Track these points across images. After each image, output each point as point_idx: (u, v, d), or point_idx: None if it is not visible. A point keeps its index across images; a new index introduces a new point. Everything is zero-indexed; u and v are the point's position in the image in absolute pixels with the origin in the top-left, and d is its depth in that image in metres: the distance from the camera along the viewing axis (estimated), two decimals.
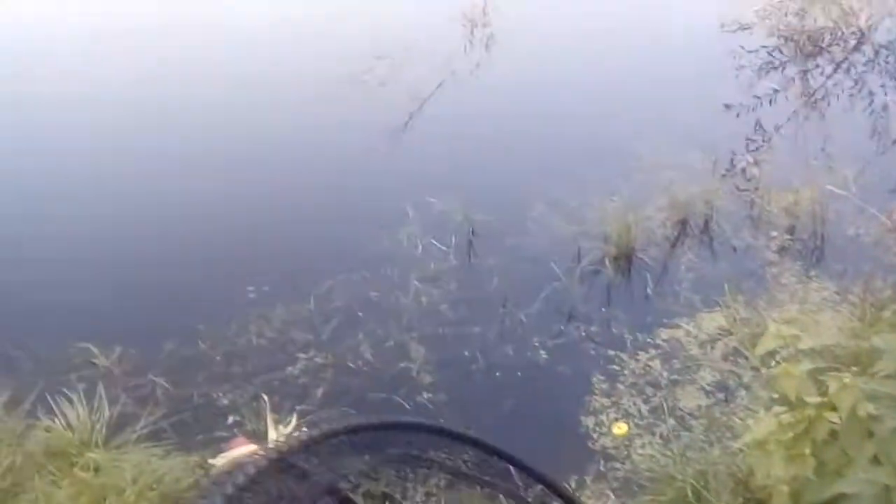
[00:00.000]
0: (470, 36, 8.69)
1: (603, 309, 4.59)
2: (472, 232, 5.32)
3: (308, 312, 4.76)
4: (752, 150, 5.79)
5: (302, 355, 4.41)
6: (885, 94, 6.41)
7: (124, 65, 8.99)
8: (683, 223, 5.14)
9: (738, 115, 6.38)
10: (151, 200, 6.33)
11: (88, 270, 5.46)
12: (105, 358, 4.38)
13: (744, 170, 5.54)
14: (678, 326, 4.35)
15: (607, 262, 4.85)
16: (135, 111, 7.96)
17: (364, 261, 5.14)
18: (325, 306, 4.80)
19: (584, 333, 4.43)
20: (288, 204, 6.10)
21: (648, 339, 4.29)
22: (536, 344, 4.39)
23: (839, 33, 7.45)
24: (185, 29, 10.45)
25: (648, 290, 4.69)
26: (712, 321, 4.34)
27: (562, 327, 4.49)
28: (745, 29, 7.70)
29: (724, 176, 5.54)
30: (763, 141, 5.96)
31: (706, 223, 5.16)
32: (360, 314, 4.73)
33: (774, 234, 4.91)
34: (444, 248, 5.18)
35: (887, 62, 7.03)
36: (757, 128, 6.20)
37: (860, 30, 7.40)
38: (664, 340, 4.27)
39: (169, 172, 6.71)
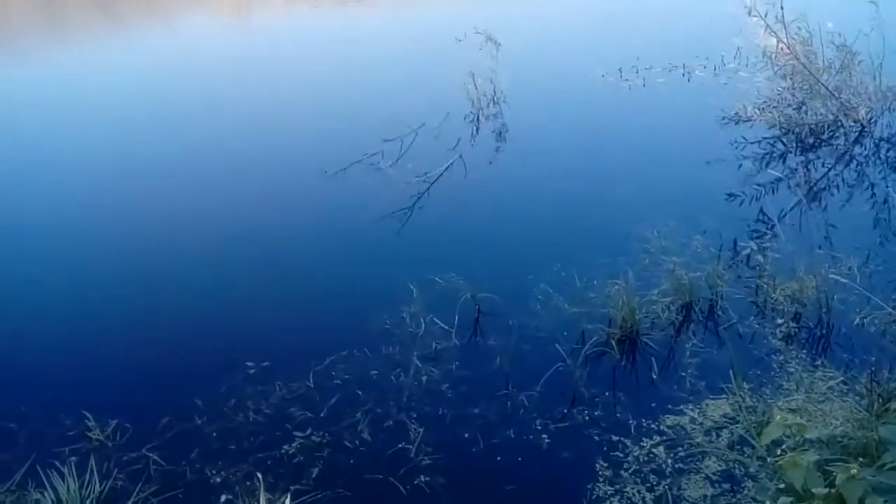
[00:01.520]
0: (478, 122, 8.93)
1: (607, 393, 4.52)
2: (476, 311, 5.32)
3: (307, 389, 4.71)
4: (756, 238, 5.83)
5: (299, 433, 4.34)
6: (887, 186, 6.49)
7: (134, 140, 9.24)
8: (688, 308, 5.12)
9: (741, 204, 6.47)
10: (154, 271, 6.38)
11: (88, 340, 5.46)
12: (100, 430, 4.32)
13: (748, 257, 5.55)
14: (683, 413, 4.27)
15: (612, 345, 4.81)
16: (145, 182, 8.14)
17: (365, 338, 5.11)
18: (324, 383, 4.75)
19: (587, 417, 4.34)
20: (292, 279, 6.14)
21: (653, 426, 4.20)
22: (539, 427, 4.30)
23: (839, 126, 7.62)
24: (200, 104, 10.81)
25: (653, 375, 4.63)
26: (718, 408, 4.26)
27: (565, 410, 4.41)
28: (746, 121, 7.90)
29: (729, 262, 5.56)
30: (767, 229, 6.01)
31: (711, 308, 5.14)
32: (359, 392, 4.68)
33: (780, 321, 4.88)
34: (446, 326, 5.16)
35: (888, 155, 7.15)
36: (760, 216, 6.27)
37: (860, 123, 7.57)
38: (669, 427, 4.19)
39: (175, 244, 6.80)
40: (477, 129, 8.77)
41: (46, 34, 17.81)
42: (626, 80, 9.64)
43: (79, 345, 5.42)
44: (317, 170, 7.92)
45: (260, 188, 7.87)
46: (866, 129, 7.53)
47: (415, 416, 4.45)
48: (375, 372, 4.83)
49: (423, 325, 5.19)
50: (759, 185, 6.78)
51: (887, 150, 7.22)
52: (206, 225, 7.13)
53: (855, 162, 7.11)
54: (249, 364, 4.93)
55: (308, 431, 4.35)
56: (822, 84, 7.71)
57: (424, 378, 4.75)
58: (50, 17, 19.83)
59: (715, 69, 9.37)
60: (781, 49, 7.90)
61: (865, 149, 7.32)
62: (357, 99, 10.47)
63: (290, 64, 12.96)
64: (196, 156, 8.95)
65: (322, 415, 4.50)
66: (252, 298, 5.89)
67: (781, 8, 7.69)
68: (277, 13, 18.93)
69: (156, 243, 6.89)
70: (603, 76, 9.80)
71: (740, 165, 7.21)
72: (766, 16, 7.77)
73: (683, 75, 9.53)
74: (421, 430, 4.32)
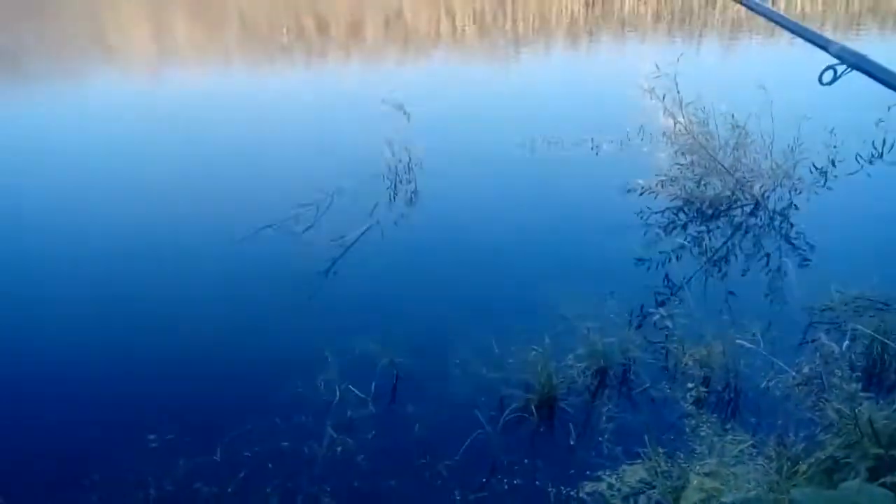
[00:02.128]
0: (394, 189, 8.97)
1: (526, 460, 4.47)
2: (395, 377, 5.21)
3: (214, 463, 4.44)
4: (664, 304, 6.01)
5: None
6: (781, 256, 6.88)
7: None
8: (603, 373, 5.19)
9: (648, 269, 6.70)
10: (47, 338, 6.01)
11: None
12: None
13: (657, 322, 5.71)
14: (601, 479, 4.25)
15: (531, 411, 4.79)
16: (38, 244, 7.72)
17: (277, 408, 4.90)
18: (232, 457, 4.50)
19: (507, 486, 4.27)
20: (198, 349, 5.85)
21: (572, 493, 4.17)
22: (458, 498, 4.18)
23: (736, 200, 8.08)
24: (102, 163, 10.43)
25: (571, 441, 4.62)
26: (634, 473, 4.27)
27: (484, 479, 4.32)
28: (650, 192, 8.26)
29: (638, 327, 5.70)
30: (673, 294, 6.22)
31: (625, 373, 5.22)
32: (269, 465, 4.45)
33: (690, 385, 4.99)
34: (362, 394, 5.02)
35: (781, 226, 7.62)
36: (666, 281, 6.50)
37: (755, 197, 8.06)
38: (587, 493, 4.16)
39: (71, 311, 6.43)
40: (393, 196, 8.80)
41: None
42: (538, 151, 9.97)
43: None
44: (226, 235, 7.71)
45: (164, 252, 7.57)
46: (760, 203, 8.02)
47: (328, 489, 4.26)
48: (287, 443, 4.62)
49: (338, 393, 5.03)
50: (663, 252, 7.05)
51: (780, 223, 7.69)
52: (106, 290, 6.78)
53: (751, 233, 7.52)
54: (151, 437, 4.62)
55: None
56: (719, 162, 8.20)
57: (339, 449, 4.58)
58: None
59: (621, 144, 9.82)
60: (679, 129, 8.39)
61: (760, 220, 7.77)
62: (273, 164, 10.37)
63: (203, 126, 12.74)
64: (95, 217, 8.57)
65: (230, 489, 4.25)
66: (155, 368, 5.58)
67: (678, 93, 8.20)
68: (190, 72, 18.70)
69: (50, 309, 6.50)
70: (516, 146, 10.10)
71: (646, 233, 7.50)
72: (663, 98, 8.25)
73: (592, 149, 9.93)
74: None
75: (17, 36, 23.73)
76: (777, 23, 3.29)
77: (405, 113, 9.52)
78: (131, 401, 5.18)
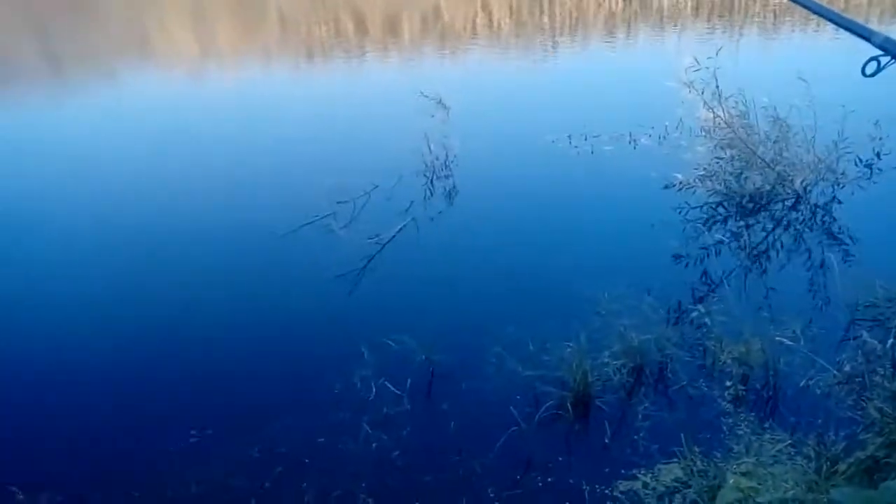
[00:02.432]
0: (431, 185, 9.00)
1: (561, 458, 4.47)
2: (430, 374, 5.25)
3: (251, 458, 4.54)
4: (702, 300, 5.94)
5: None
6: (822, 251, 6.73)
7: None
8: (639, 370, 5.15)
9: (686, 266, 6.62)
10: (95, 332, 6.18)
11: (20, 407, 5.21)
12: None
13: (695, 319, 5.64)
14: (636, 478, 4.24)
15: (566, 409, 4.79)
16: (90, 241, 7.94)
17: (314, 404, 4.99)
18: (269, 452, 4.59)
19: (541, 484, 4.27)
20: (238, 343, 5.99)
21: (606, 491, 4.16)
22: (492, 495, 4.21)
23: (777, 194, 7.92)
24: (150, 162, 10.67)
25: (606, 439, 4.60)
26: (670, 472, 4.24)
27: (518, 477, 4.34)
28: (689, 188, 8.14)
29: (675, 324, 5.64)
30: (711, 291, 6.14)
31: (661, 371, 5.18)
32: (306, 461, 4.53)
33: (728, 383, 4.94)
34: (398, 391, 5.07)
35: (823, 221, 7.45)
36: (705, 278, 6.42)
37: (796, 192, 7.89)
38: (622, 492, 4.15)
39: (118, 306, 6.60)
40: (430, 192, 8.83)
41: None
42: (575, 146, 9.89)
43: (5, 412, 5.15)
44: (267, 231, 7.84)
45: (208, 249, 7.74)
46: (802, 198, 7.85)
47: (364, 485, 4.32)
48: (323, 439, 4.69)
49: (374, 390, 5.09)
50: (702, 248, 6.96)
51: (822, 217, 7.52)
52: (152, 286, 6.96)
53: (792, 228, 7.37)
54: (193, 432, 4.74)
55: (252, 503, 4.17)
56: (759, 156, 8.04)
57: (374, 445, 4.64)
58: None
59: (659, 138, 9.70)
60: (719, 122, 8.25)
61: (802, 215, 7.61)
62: (311, 161, 10.49)
63: (246, 125, 12.94)
64: (143, 215, 8.78)
65: (266, 485, 4.34)
66: (196, 363, 5.72)
67: (717, 86, 8.06)
68: (230, 72, 19.00)
69: (99, 303, 6.68)
70: (553, 142, 10.04)
71: (684, 229, 7.40)
72: (703, 92, 8.12)
73: (629, 143, 9.83)
74: (370, 500, 4.19)
75: (62, 35, 24.38)
76: (818, 13, 3.22)
77: (443, 109, 9.56)
78: (172, 397, 5.31)
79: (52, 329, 6.30)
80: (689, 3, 24.27)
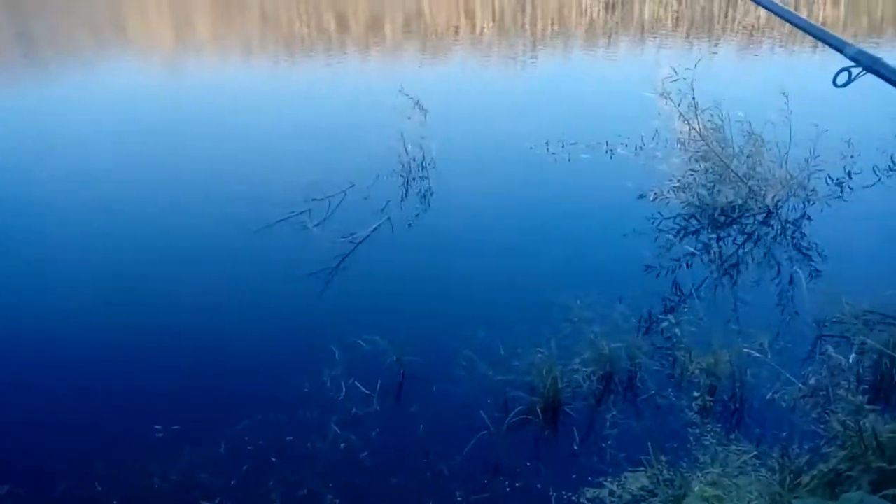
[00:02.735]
0: (406, 187, 8.99)
1: (529, 463, 4.48)
2: (400, 375, 5.23)
3: (218, 455, 4.49)
4: (672, 310, 6.00)
5: (206, 502, 4.10)
6: (792, 266, 6.83)
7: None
8: (608, 378, 5.18)
9: (657, 276, 6.68)
10: (58, 325, 6.08)
11: None
12: None
13: (665, 328, 5.70)
14: (603, 485, 4.26)
15: (535, 414, 4.80)
16: (53, 232, 7.81)
17: (282, 402, 4.95)
18: (236, 449, 4.54)
19: (508, 489, 4.28)
20: (207, 339, 5.93)
21: (573, 497, 4.17)
22: (459, 499, 4.20)
23: (749, 208, 8.04)
24: (122, 152, 10.53)
25: (574, 446, 4.62)
26: (636, 481, 4.27)
27: (486, 481, 4.33)
28: (662, 199, 8.22)
29: (646, 334, 5.69)
30: (681, 301, 6.20)
31: (630, 379, 5.21)
32: (273, 459, 4.48)
33: (696, 393, 4.99)
34: (368, 391, 5.05)
35: (793, 236, 7.56)
36: (675, 289, 6.48)
37: (767, 207, 8.01)
38: (589, 499, 4.16)
39: (83, 298, 6.50)
40: (406, 193, 8.82)
41: None
42: (553, 153, 9.95)
43: None
44: (240, 227, 7.77)
45: (179, 243, 7.66)
46: (773, 213, 7.97)
47: (331, 485, 4.29)
48: (291, 438, 4.66)
49: (344, 390, 5.07)
50: (674, 259, 7.03)
51: (792, 232, 7.63)
52: (117, 278, 6.86)
53: (763, 242, 7.48)
54: (157, 427, 4.67)
55: (217, 500, 4.13)
56: (732, 170, 8.15)
57: (343, 445, 4.61)
58: None
59: (636, 148, 9.79)
60: (694, 135, 8.34)
61: (772, 230, 7.72)
62: (288, 158, 10.42)
63: (222, 120, 12.83)
64: (116, 207, 8.66)
65: (233, 482, 4.29)
66: (163, 358, 5.64)
67: (694, 99, 8.15)
68: (209, 67, 18.81)
69: (62, 295, 6.57)
70: (530, 149, 10.08)
71: (656, 239, 7.48)
72: (679, 103, 8.21)
73: (606, 152, 9.90)
74: (337, 500, 4.16)
75: (43, 24, 23.98)
76: (794, 24, 3.26)
77: (422, 111, 9.55)
78: (138, 391, 5.23)
79: (20, 323, 6.18)
80: (670, 17, 24.57)
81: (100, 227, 8.08)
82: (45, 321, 6.19)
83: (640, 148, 9.78)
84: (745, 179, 8.14)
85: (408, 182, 9.11)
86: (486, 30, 23.47)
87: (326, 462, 4.46)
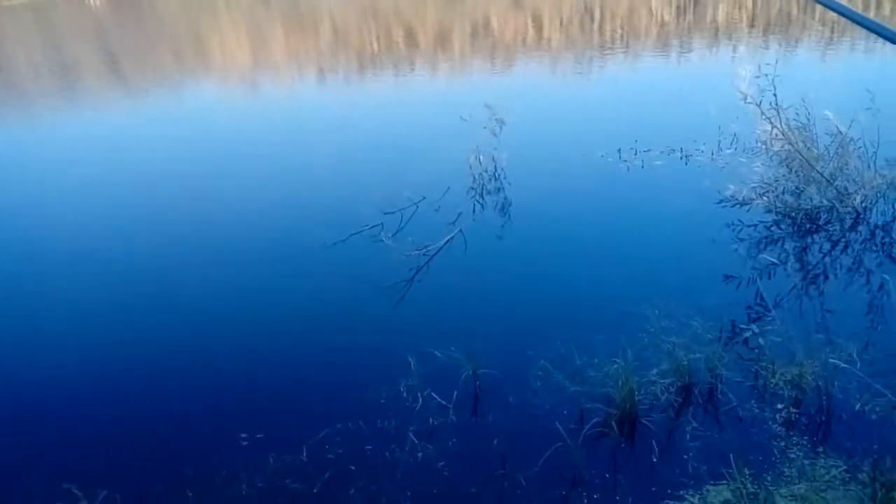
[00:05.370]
0: (479, 198, 9.04)
1: (607, 475, 4.44)
2: (476, 386, 5.27)
3: (300, 463, 4.63)
4: (754, 321, 5.84)
5: None
6: (883, 273, 6.53)
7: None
8: (687, 389, 5.09)
9: (738, 286, 6.51)
10: (149, 338, 6.37)
11: (77, 407, 5.40)
12: (88, 502, 4.21)
13: (747, 339, 5.55)
14: (683, 498, 4.19)
15: (612, 426, 4.75)
16: (143, 246, 8.19)
17: (361, 412, 5.06)
18: (318, 457, 4.68)
19: (586, 501, 4.25)
20: (288, 350, 6.12)
21: None
22: None
23: (835, 212, 7.73)
24: (205, 171, 10.97)
25: (653, 458, 4.55)
26: (718, 494, 4.18)
27: (563, 493, 4.32)
28: (744, 205, 8.00)
29: (727, 344, 5.55)
30: (764, 311, 6.02)
31: (711, 391, 5.10)
32: (352, 468, 4.59)
33: (780, 406, 4.84)
34: (444, 402, 5.11)
35: (883, 241, 7.24)
36: (757, 298, 6.29)
37: (856, 210, 7.68)
38: None
39: (171, 312, 6.80)
40: (477, 205, 8.87)
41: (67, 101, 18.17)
42: (625, 161, 9.82)
43: (65, 414, 5.36)
44: (317, 240, 7.98)
45: (259, 257, 7.93)
46: (861, 216, 7.65)
47: (409, 493, 4.37)
48: (370, 447, 4.76)
49: (421, 400, 5.14)
50: (755, 267, 6.84)
51: (882, 238, 7.31)
52: (203, 292, 7.14)
53: (851, 248, 7.18)
54: (243, 435, 4.86)
55: None
56: (817, 171, 7.86)
57: (420, 454, 4.68)
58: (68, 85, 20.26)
59: (712, 153, 9.56)
60: (776, 135, 8.08)
61: (861, 235, 7.41)
62: (360, 171, 10.64)
63: (297, 135, 13.21)
64: (197, 222, 9.03)
65: (315, 490, 4.41)
66: (247, 369, 5.85)
67: (774, 95, 7.90)
68: (285, 83, 19.40)
69: (151, 311, 6.89)
70: (602, 156, 9.99)
71: (737, 248, 7.28)
72: (760, 103, 7.97)
73: (681, 158, 9.71)
74: None
75: (128, 45, 25.25)
76: (861, 24, 3.15)
77: (492, 122, 9.59)
78: (225, 401, 5.44)
79: (115, 335, 6.52)
80: (745, 16, 23.88)
81: (186, 243, 8.42)
82: (142, 334, 6.49)
83: (718, 152, 9.55)
84: (830, 180, 7.83)
85: (480, 193, 9.16)
86: (554, 37, 23.38)
87: (404, 471, 4.53)
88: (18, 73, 22.05)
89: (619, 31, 23.56)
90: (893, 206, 7.82)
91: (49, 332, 6.56)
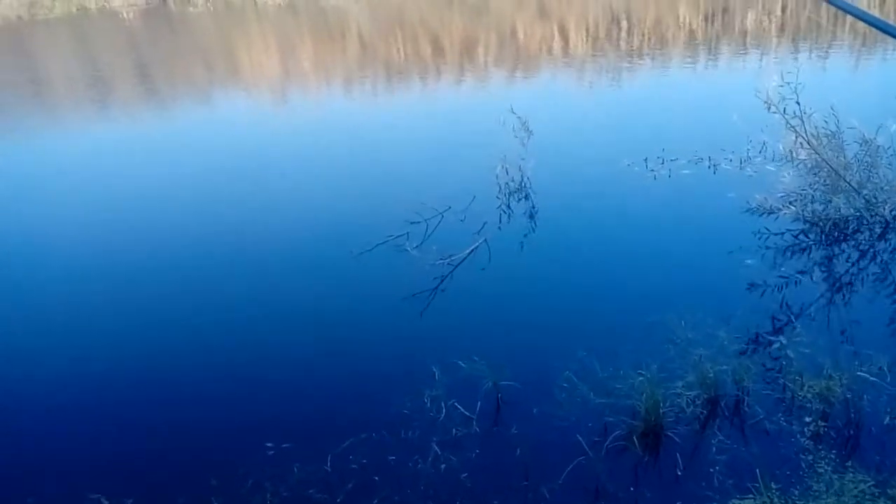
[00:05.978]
0: (504, 208, 9.04)
1: (631, 488, 4.42)
2: (499, 397, 5.28)
3: (325, 473, 4.67)
4: (781, 332, 5.77)
5: None
6: None
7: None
8: (714, 402, 5.04)
9: (764, 295, 6.44)
10: (174, 348, 6.46)
11: (102, 420, 5.51)
12: None
13: (774, 351, 5.49)
14: None
15: (635, 439, 4.73)
16: (163, 256, 8.32)
17: (385, 422, 5.09)
18: (342, 467, 4.71)
19: None
20: (313, 360, 6.18)
21: None
22: None
23: (864, 222, 7.61)
24: (232, 180, 11.11)
25: (678, 471, 4.52)
26: None
27: None
28: (770, 213, 7.92)
29: (753, 356, 5.49)
30: (791, 322, 5.95)
31: (737, 404, 5.05)
32: (376, 478, 4.62)
33: (808, 419, 4.78)
34: (467, 413, 5.12)
35: None
36: (784, 308, 6.22)
37: (884, 219, 7.56)
38: None
39: (196, 321, 6.89)
40: (503, 214, 8.88)
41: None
42: (652, 170, 9.76)
43: (93, 424, 5.48)
44: (342, 250, 8.04)
45: (284, 267, 8.01)
46: (891, 225, 7.52)
47: None
48: (393, 457, 4.79)
49: (444, 411, 5.16)
50: (782, 276, 6.76)
51: None
52: (228, 302, 7.23)
53: (879, 258, 7.07)
54: (268, 445, 4.91)
55: None
56: (846, 180, 7.76)
57: (443, 466, 4.69)
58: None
59: (741, 162, 9.48)
60: (803, 144, 8.00)
61: (890, 244, 7.29)
62: (386, 181, 10.70)
63: (324, 145, 13.32)
64: (224, 232, 9.15)
65: (339, 500, 4.45)
66: (272, 378, 5.91)
67: (798, 103, 7.83)
68: (313, 93, 19.60)
69: (176, 320, 6.99)
70: (629, 166, 9.94)
71: (764, 256, 7.21)
72: (785, 111, 7.91)
73: (709, 167, 9.64)
74: None
75: (159, 57, 25.67)
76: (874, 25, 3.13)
77: (518, 131, 9.61)
78: (250, 410, 5.50)
79: (144, 345, 6.62)
80: (774, 24, 23.63)
81: (214, 251, 8.53)
82: (170, 343, 6.60)
83: (745, 161, 9.46)
84: (858, 189, 7.73)
85: (506, 202, 9.16)
86: (581, 46, 23.33)
87: (428, 482, 4.55)
88: (55, 84, 22.56)
89: (646, 39, 23.45)
90: None
91: (80, 342, 6.69)
